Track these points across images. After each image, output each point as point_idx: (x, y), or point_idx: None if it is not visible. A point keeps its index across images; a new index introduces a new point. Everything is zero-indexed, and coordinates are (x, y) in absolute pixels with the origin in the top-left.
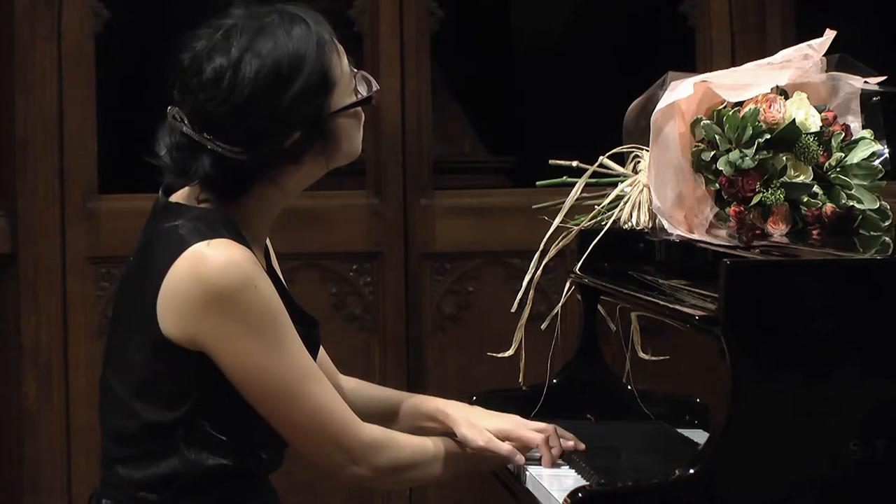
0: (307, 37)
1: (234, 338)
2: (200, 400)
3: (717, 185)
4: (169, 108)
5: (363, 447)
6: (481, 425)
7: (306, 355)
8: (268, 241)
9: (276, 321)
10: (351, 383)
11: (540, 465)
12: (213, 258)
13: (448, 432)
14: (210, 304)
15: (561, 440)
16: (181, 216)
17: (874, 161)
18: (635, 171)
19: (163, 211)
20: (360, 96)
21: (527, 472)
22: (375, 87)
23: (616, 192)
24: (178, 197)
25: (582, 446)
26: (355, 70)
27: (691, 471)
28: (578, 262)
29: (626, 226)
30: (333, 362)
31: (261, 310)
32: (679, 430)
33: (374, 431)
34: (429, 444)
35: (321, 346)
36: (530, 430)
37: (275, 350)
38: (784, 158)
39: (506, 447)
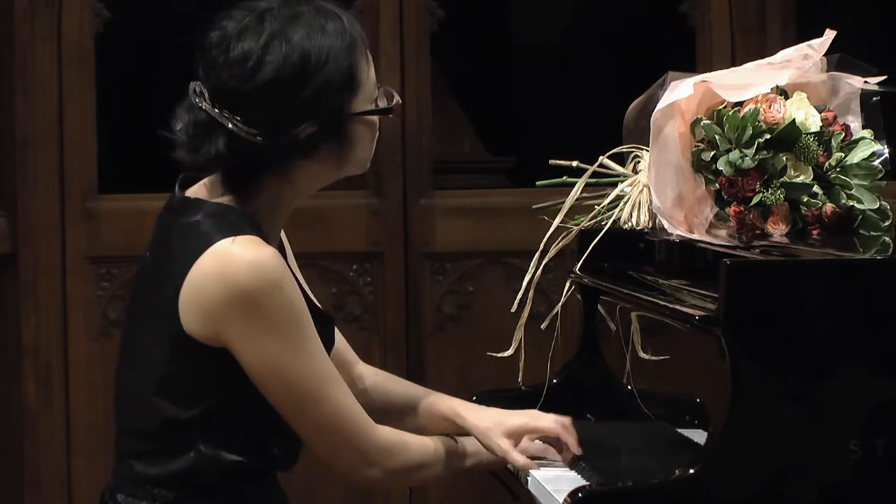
0: (341, 33)
1: (257, 338)
2: (219, 396)
3: (717, 185)
4: (191, 83)
5: (377, 450)
6: (499, 431)
7: (326, 358)
8: (284, 237)
9: (300, 323)
10: (370, 374)
11: (547, 464)
12: (238, 257)
13: (461, 433)
14: (235, 304)
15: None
16: (200, 211)
17: (874, 161)
18: (635, 171)
19: (180, 206)
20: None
21: (527, 472)
22: (397, 99)
23: (616, 192)
24: (193, 192)
25: (579, 451)
26: (379, 85)
27: (691, 471)
28: (578, 262)
29: (626, 226)
30: None
31: (285, 312)
32: (679, 430)
33: (387, 434)
34: (434, 445)
35: (342, 336)
36: (547, 419)
37: (297, 352)
38: (784, 158)
39: (522, 460)
